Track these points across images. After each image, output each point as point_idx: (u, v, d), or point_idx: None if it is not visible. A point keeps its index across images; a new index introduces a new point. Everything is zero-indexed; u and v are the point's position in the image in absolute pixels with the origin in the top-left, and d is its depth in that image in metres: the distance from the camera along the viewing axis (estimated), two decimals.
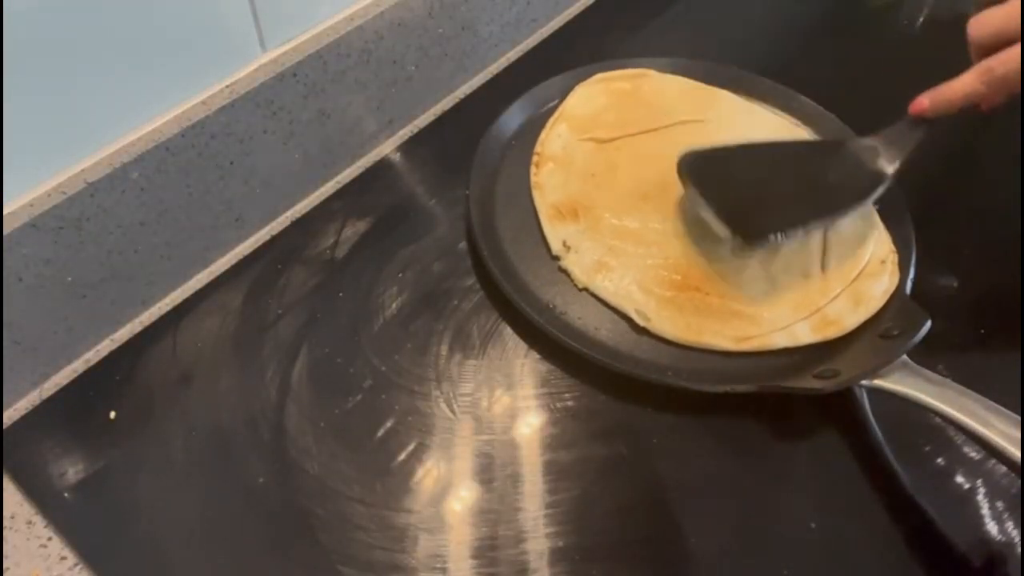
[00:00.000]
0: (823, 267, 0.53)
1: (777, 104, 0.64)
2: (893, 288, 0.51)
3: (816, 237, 0.54)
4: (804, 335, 0.49)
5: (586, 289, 0.52)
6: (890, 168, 0.52)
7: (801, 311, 0.50)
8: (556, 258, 0.54)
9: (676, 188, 0.55)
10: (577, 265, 0.53)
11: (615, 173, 0.58)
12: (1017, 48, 0.44)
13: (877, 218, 0.55)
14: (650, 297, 0.51)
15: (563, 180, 0.58)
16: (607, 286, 0.52)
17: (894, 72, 0.71)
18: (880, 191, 0.52)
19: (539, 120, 0.63)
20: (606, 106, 0.63)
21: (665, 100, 0.64)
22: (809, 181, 0.53)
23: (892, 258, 0.53)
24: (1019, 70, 0.44)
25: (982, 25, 0.46)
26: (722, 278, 0.52)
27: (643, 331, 0.50)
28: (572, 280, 0.53)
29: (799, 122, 0.63)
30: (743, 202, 0.51)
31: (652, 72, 0.66)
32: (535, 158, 0.60)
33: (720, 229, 0.50)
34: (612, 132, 0.61)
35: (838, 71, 0.69)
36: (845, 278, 0.52)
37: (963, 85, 0.47)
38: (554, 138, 0.61)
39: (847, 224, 0.54)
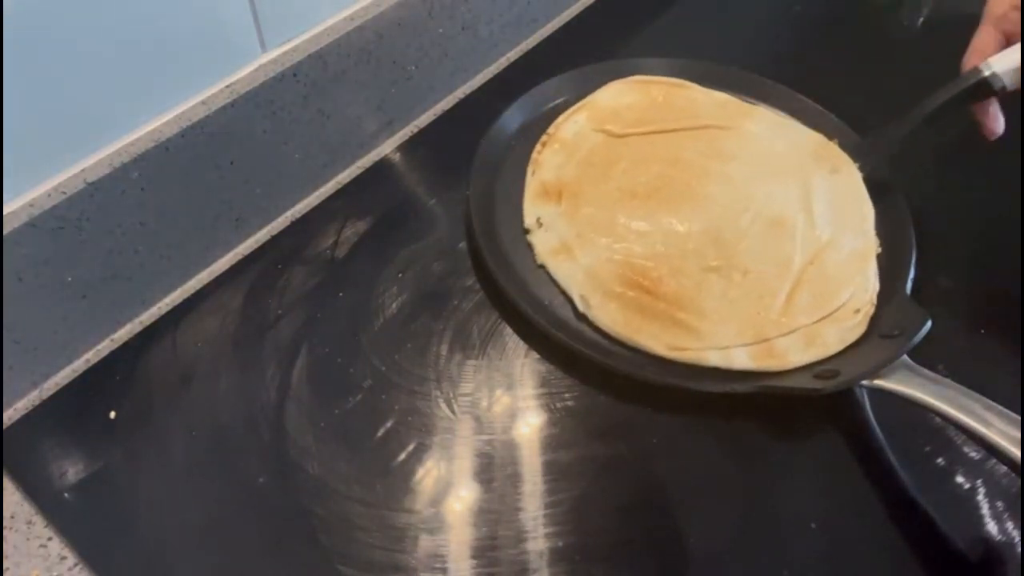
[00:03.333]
0: (788, 300, 0.50)
1: (778, 104, 0.64)
2: (853, 340, 0.48)
3: (791, 270, 0.52)
4: (740, 360, 0.48)
5: (543, 267, 0.53)
6: None
7: (744, 337, 0.49)
8: (527, 231, 0.55)
9: (666, 192, 0.56)
10: (541, 242, 0.54)
11: (613, 167, 0.58)
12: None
13: (873, 264, 0.53)
14: (598, 288, 0.51)
15: (561, 163, 0.59)
16: (562, 267, 0.52)
17: (895, 71, 0.71)
18: None
19: (539, 120, 0.62)
20: (632, 104, 0.63)
21: (694, 107, 0.63)
22: None
23: (867, 310, 0.50)
24: None
25: None
26: (678, 287, 0.51)
27: (583, 318, 0.51)
28: (533, 255, 0.54)
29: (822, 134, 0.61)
30: None
31: (693, 84, 0.65)
32: (544, 137, 0.60)
33: None
34: (627, 128, 0.61)
35: (838, 70, 0.69)
36: (809, 316, 0.50)
37: None
38: (570, 124, 0.61)
39: (835, 263, 0.52)
